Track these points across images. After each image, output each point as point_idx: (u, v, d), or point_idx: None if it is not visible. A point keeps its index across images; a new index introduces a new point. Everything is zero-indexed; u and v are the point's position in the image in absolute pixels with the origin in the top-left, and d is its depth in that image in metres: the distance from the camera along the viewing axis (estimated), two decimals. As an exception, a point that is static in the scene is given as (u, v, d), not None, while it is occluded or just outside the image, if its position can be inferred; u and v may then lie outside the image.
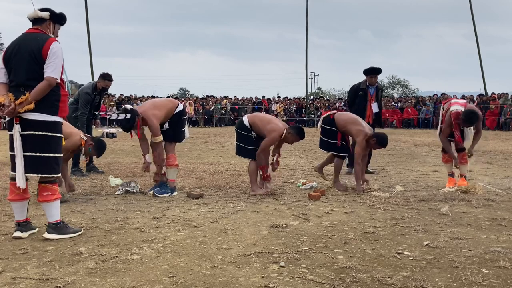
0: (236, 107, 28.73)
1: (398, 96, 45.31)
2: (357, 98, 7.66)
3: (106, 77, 7.31)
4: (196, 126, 25.78)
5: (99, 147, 5.45)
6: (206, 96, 31.41)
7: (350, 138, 6.14)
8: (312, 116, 27.55)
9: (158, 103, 5.74)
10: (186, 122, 5.86)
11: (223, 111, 27.89)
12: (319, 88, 70.21)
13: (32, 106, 3.52)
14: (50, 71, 3.58)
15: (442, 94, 28.00)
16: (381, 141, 5.80)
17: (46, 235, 3.68)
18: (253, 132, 5.62)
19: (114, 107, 24.72)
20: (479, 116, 5.73)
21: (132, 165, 8.26)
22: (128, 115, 5.28)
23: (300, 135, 5.60)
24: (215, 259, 3.17)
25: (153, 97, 29.88)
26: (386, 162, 9.04)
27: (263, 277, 2.84)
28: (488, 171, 7.63)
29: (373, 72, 7.62)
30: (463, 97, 25.43)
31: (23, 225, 3.78)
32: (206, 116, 27.40)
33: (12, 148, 3.64)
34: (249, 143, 5.62)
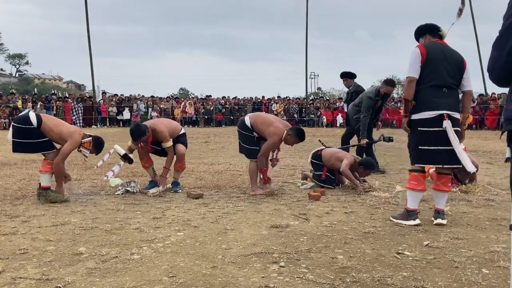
0: (236, 107, 28.74)
1: (398, 96, 45.27)
2: None
3: (390, 83, 7.56)
4: (196, 126, 25.78)
5: (97, 144, 5.46)
6: (206, 96, 31.44)
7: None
8: (312, 116, 27.56)
9: (164, 120, 6.18)
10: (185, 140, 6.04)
11: (223, 110, 27.93)
12: (319, 88, 70.30)
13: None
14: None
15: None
16: (368, 166, 5.94)
17: (392, 217, 4.28)
18: (254, 133, 5.60)
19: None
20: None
21: (132, 165, 8.23)
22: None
23: (300, 137, 5.54)
24: (215, 259, 3.17)
25: (152, 97, 29.93)
26: (386, 162, 9.04)
27: (263, 277, 2.83)
28: (488, 171, 7.63)
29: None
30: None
31: (442, 213, 4.19)
32: (206, 116, 27.43)
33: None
34: (251, 143, 5.61)
